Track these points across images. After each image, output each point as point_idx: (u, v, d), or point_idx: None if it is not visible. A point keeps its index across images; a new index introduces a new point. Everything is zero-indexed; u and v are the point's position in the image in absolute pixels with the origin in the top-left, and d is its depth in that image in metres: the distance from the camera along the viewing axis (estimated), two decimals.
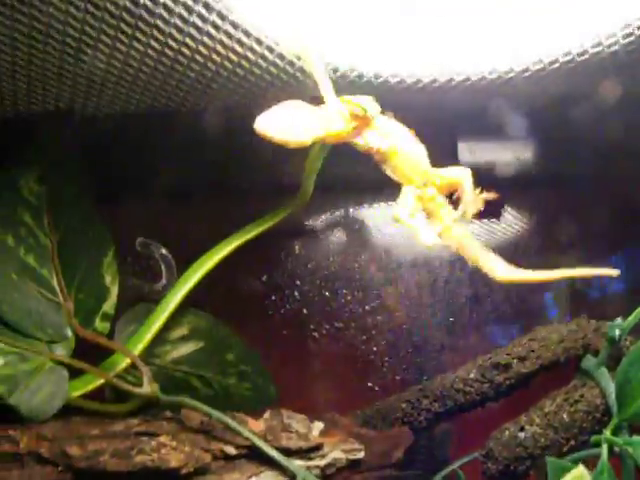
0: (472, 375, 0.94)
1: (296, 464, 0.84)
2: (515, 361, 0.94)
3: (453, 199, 0.86)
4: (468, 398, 0.94)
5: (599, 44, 0.82)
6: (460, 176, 0.85)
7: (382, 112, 0.80)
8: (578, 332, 0.95)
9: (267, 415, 0.89)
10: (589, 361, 0.93)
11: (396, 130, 0.82)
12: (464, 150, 0.99)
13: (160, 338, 0.99)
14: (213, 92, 0.95)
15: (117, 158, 1.04)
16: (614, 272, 0.82)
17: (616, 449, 0.83)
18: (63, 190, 0.98)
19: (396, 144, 0.81)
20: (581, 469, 0.65)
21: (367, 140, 0.81)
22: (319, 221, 1.07)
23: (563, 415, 0.89)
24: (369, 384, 1.05)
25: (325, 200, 1.05)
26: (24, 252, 0.94)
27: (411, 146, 0.82)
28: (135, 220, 1.05)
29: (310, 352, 1.05)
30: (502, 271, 0.83)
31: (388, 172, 0.84)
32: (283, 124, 0.74)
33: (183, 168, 1.05)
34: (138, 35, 0.79)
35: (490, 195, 0.85)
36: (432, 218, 0.85)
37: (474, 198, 0.84)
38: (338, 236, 1.07)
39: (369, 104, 0.80)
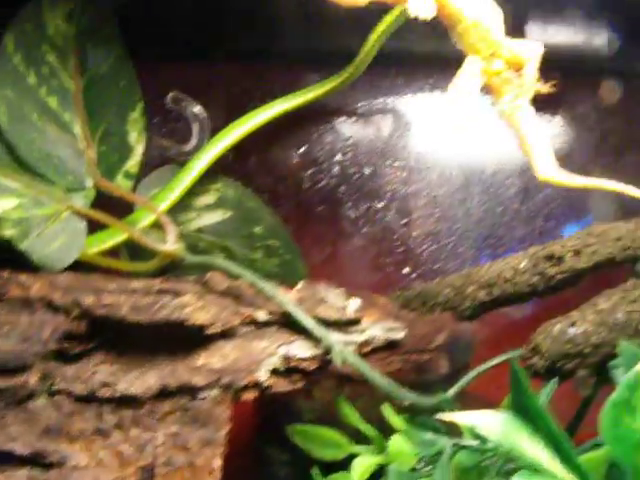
0: (523, 265, 0.83)
1: (332, 337, 0.73)
2: (569, 254, 0.83)
3: None
4: (517, 289, 0.83)
5: None
6: (530, 54, 0.73)
7: None
8: (637, 232, 0.85)
9: (300, 286, 0.78)
10: None
11: None
12: (534, 25, 0.87)
13: (184, 204, 0.89)
14: None
15: (155, 6, 0.91)
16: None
17: None
18: (94, 32, 0.86)
19: (461, 9, 0.69)
20: None
21: (414, 8, 0.68)
22: (367, 97, 0.95)
23: (618, 314, 0.79)
24: (406, 270, 0.94)
25: (376, 76, 0.93)
26: (46, 93, 0.83)
27: (480, 12, 0.70)
28: (168, 77, 0.93)
29: (345, 232, 0.94)
30: (543, 169, 0.72)
31: (454, 39, 0.72)
32: None
33: (228, 24, 0.93)
34: None
35: (545, 89, 0.74)
36: (495, 95, 0.74)
37: (532, 82, 0.73)
38: (385, 114, 0.96)
39: None
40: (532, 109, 0.74)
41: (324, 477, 0.76)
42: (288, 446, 0.90)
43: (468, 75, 0.73)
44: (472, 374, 0.82)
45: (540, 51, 0.73)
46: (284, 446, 0.93)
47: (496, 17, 0.70)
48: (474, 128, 0.75)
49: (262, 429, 0.94)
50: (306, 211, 0.94)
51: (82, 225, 0.80)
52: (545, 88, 0.74)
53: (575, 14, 0.87)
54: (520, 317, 0.95)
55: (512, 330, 0.95)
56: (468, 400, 0.83)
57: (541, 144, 0.74)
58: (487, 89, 0.76)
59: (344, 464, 0.77)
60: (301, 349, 0.73)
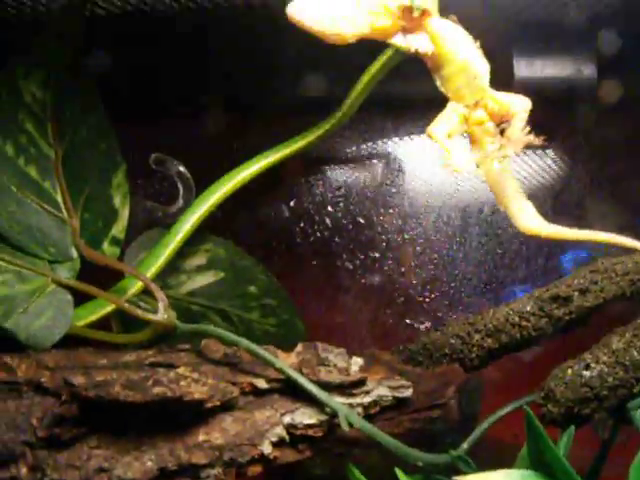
0: (529, 308, 0.78)
1: (337, 400, 0.68)
2: (576, 294, 0.79)
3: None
4: (524, 334, 0.78)
5: None
6: (517, 107, 0.70)
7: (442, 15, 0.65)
8: None
9: (299, 348, 0.73)
10: None
11: (454, 35, 0.66)
12: (521, 61, 0.83)
13: (174, 267, 0.84)
14: None
15: (131, 65, 0.87)
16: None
17: None
18: (71, 97, 0.82)
19: (452, 51, 0.66)
20: None
21: (413, 42, 0.66)
22: (355, 145, 0.91)
23: (633, 352, 0.74)
24: (407, 321, 0.89)
25: (362, 122, 0.89)
26: (24, 163, 0.79)
27: (469, 57, 0.67)
28: (150, 138, 0.89)
29: (342, 286, 0.89)
30: (527, 222, 0.69)
31: (438, 84, 0.69)
32: (321, 12, 0.59)
33: (206, 78, 0.88)
34: None
35: (536, 141, 0.71)
36: (474, 145, 0.71)
37: (520, 136, 0.69)
38: (375, 162, 0.91)
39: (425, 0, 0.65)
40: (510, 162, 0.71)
41: None
42: None
43: (447, 120, 0.70)
44: (484, 426, 0.77)
45: (528, 105, 0.70)
46: None
47: (484, 67, 0.67)
48: (466, 169, 0.70)
49: None
50: (301, 266, 0.89)
51: (68, 298, 0.75)
52: (536, 140, 0.71)
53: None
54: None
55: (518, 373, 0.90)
56: (480, 447, 0.78)
57: (521, 197, 0.71)
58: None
59: None
60: (305, 416, 0.68)
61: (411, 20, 0.66)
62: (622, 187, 0.93)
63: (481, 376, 0.87)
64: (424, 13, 0.65)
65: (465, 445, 0.75)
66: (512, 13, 0.82)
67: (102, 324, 0.79)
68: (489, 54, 0.71)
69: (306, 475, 0.81)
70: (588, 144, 0.92)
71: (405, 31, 0.67)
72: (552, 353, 0.80)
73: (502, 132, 0.72)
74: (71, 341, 0.74)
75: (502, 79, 0.79)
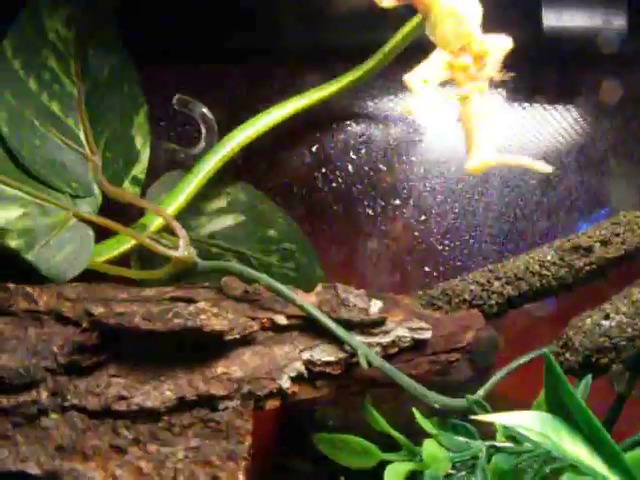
0: (549, 257, 0.78)
1: (356, 339, 0.68)
2: (597, 245, 0.78)
3: None
4: (544, 283, 0.78)
5: None
6: (496, 48, 0.67)
7: None
8: None
9: (319, 289, 0.73)
10: None
11: None
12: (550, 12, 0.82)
13: (195, 209, 0.84)
14: None
15: (155, 5, 0.87)
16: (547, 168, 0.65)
17: None
18: (94, 36, 0.81)
19: None
20: None
21: None
22: (380, 96, 0.90)
23: None
24: (426, 269, 0.89)
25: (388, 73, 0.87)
26: (48, 98, 0.79)
27: (456, 1, 0.64)
28: (172, 80, 0.88)
29: (362, 232, 0.89)
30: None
31: (427, 31, 0.67)
32: None
33: (232, 20, 0.87)
34: None
35: (505, 76, 0.68)
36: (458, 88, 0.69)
37: (490, 73, 0.67)
38: (399, 114, 0.90)
39: None
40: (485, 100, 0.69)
41: None
42: (309, 456, 0.85)
43: (426, 68, 0.67)
44: (502, 373, 0.77)
45: (507, 45, 0.68)
46: (305, 456, 0.87)
47: (474, 11, 0.64)
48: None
49: (282, 438, 0.89)
50: (320, 212, 0.88)
51: (90, 232, 0.75)
52: (499, 75, 0.68)
53: None
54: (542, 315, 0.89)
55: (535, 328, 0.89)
56: (495, 401, 0.77)
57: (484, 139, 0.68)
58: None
59: (371, 473, 0.71)
60: (325, 353, 0.68)
61: None
62: None
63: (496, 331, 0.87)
64: None
65: (481, 391, 0.75)
66: None
67: (120, 262, 0.78)
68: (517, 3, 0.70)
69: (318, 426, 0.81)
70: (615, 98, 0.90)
71: None
72: (570, 310, 0.79)
73: None
74: (91, 276, 0.74)
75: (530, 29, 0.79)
